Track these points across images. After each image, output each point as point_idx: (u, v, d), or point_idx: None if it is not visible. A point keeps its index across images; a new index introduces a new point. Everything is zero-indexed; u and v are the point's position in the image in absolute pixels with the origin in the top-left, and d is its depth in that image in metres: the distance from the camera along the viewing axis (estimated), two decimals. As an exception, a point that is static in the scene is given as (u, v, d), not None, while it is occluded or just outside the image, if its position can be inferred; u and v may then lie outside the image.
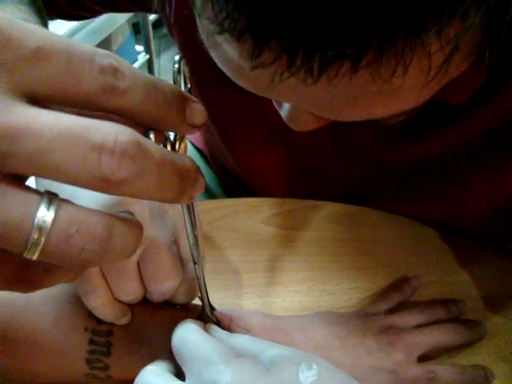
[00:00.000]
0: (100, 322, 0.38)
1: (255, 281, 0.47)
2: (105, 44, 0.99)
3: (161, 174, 0.20)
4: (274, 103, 0.34)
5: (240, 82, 0.28)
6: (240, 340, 0.34)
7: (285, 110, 0.33)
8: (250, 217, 0.52)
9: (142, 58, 1.20)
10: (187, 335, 0.33)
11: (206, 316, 0.37)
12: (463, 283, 0.48)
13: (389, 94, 0.25)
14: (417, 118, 0.43)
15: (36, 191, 0.20)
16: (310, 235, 0.51)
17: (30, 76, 0.18)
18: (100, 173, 0.19)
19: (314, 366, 0.30)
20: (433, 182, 0.48)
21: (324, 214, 0.52)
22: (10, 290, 0.21)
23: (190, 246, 0.33)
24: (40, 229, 0.19)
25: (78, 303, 0.38)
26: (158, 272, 0.34)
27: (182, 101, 0.22)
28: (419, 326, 0.42)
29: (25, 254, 0.19)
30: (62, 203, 0.19)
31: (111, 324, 0.38)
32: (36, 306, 0.37)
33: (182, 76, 0.26)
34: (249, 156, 0.57)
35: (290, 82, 0.24)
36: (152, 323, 0.38)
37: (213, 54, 0.28)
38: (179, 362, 0.33)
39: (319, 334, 0.39)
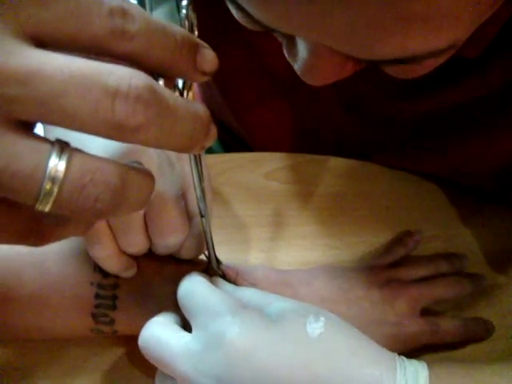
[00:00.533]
0: (106, 275, 0.37)
1: (258, 235, 0.47)
2: None
3: (175, 121, 0.19)
4: (286, 54, 0.32)
5: (258, 13, 0.26)
6: (247, 293, 0.34)
7: (301, 60, 0.30)
8: (251, 171, 0.51)
9: None
10: (194, 287, 0.33)
11: (212, 270, 0.37)
12: (466, 237, 0.48)
13: (425, 19, 0.23)
14: (429, 74, 0.42)
15: (46, 139, 0.19)
16: (313, 190, 0.50)
17: (37, 16, 0.17)
18: (114, 119, 0.18)
19: (322, 318, 0.30)
20: (441, 137, 0.47)
21: (327, 169, 0.52)
22: (20, 243, 0.21)
23: (197, 198, 0.32)
24: (52, 179, 0.18)
25: (82, 258, 0.37)
26: (164, 226, 0.34)
27: (193, 46, 0.21)
28: (422, 280, 0.43)
29: (37, 206, 0.18)
30: (74, 152, 0.19)
31: (117, 277, 0.37)
32: (41, 262, 0.37)
33: (188, 22, 0.25)
34: (250, 111, 0.55)
35: None
36: (158, 277, 0.38)
37: None
38: (185, 314, 0.33)
39: (324, 287, 0.39)
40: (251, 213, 0.48)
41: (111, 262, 0.35)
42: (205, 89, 0.64)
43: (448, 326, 0.40)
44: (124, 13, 0.19)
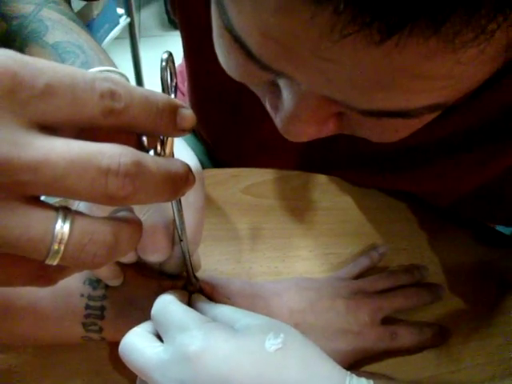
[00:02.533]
0: (95, 288, 0.41)
1: (234, 247, 0.51)
2: (86, 9, 0.98)
3: (158, 185, 0.23)
4: (269, 107, 0.32)
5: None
6: (220, 310, 0.38)
7: (284, 111, 0.30)
8: (230, 187, 0.55)
9: (124, 21, 1.20)
10: (165, 305, 0.37)
11: (190, 285, 0.41)
12: (429, 251, 0.52)
13: (450, 73, 0.23)
14: None
15: (52, 206, 0.23)
16: (286, 204, 0.54)
17: (42, 110, 0.21)
18: (107, 192, 0.22)
19: (282, 335, 0.34)
20: (426, 162, 0.50)
21: (298, 184, 0.56)
22: (32, 285, 0.25)
23: (175, 224, 0.36)
24: (59, 240, 0.22)
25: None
26: (149, 246, 0.38)
27: (172, 110, 0.25)
28: (385, 291, 0.47)
29: (47, 261, 0.22)
30: (75, 216, 0.23)
31: (105, 289, 0.41)
32: None
33: (167, 73, 0.29)
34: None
35: (345, 42, 0.22)
36: (142, 290, 0.42)
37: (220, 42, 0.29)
38: (158, 329, 0.37)
39: (293, 299, 0.44)
40: (228, 226, 0.52)
41: (103, 269, 0.39)
42: (200, 110, 0.68)
43: (405, 332, 0.44)
44: (112, 94, 0.23)
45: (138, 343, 0.36)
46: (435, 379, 0.45)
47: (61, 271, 0.25)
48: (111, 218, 0.24)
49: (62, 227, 0.22)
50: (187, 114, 0.26)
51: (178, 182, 0.25)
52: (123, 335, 0.42)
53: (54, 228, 0.22)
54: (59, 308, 0.41)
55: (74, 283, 0.41)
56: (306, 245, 0.52)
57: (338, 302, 0.44)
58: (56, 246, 0.22)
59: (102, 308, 0.41)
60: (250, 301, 0.43)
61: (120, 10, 1.15)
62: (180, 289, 0.41)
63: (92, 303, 0.41)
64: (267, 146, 0.58)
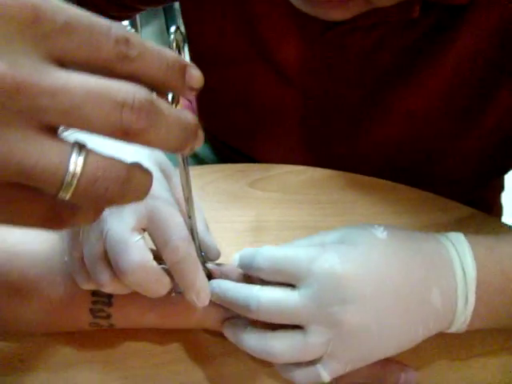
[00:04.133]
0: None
1: (242, 239, 0.51)
2: None
3: (169, 126, 0.24)
4: None
5: None
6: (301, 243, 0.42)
7: None
8: (237, 181, 0.55)
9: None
10: (287, 251, 0.39)
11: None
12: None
13: None
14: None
15: (68, 141, 0.23)
16: (292, 198, 0.54)
17: (61, 45, 0.22)
18: (121, 125, 0.22)
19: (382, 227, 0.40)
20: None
21: (303, 179, 0.56)
22: (42, 227, 0.25)
23: (184, 199, 0.36)
24: (72, 173, 0.22)
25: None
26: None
27: (182, 67, 0.26)
28: None
29: (59, 194, 0.23)
30: (89, 151, 0.23)
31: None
32: (46, 261, 0.41)
33: (176, 45, 0.30)
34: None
35: None
36: None
37: None
38: (286, 276, 0.38)
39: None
40: (236, 218, 0.52)
41: (110, 285, 0.37)
42: (207, 109, 0.70)
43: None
44: (127, 41, 0.23)
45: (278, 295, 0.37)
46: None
47: (73, 214, 0.25)
48: (125, 160, 0.24)
49: (77, 160, 0.22)
50: (195, 72, 0.26)
51: (189, 131, 0.25)
52: (133, 321, 0.42)
53: (69, 160, 0.22)
54: (67, 294, 0.41)
55: None
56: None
57: None
58: (69, 178, 0.22)
59: (109, 295, 0.41)
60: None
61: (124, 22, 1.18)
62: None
63: (99, 290, 0.41)
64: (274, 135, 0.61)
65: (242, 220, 0.52)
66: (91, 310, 0.41)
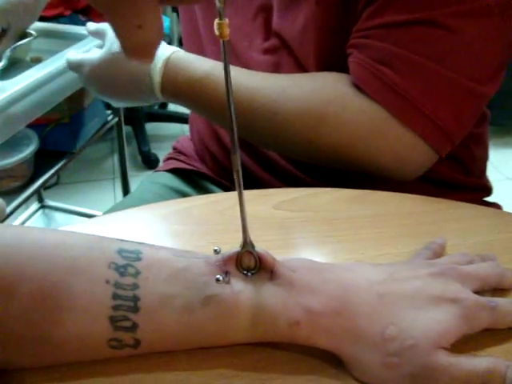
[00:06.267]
0: (123, 273, 0.33)
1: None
2: (76, 98, 0.97)
3: None
4: None
5: None
6: None
7: None
8: (261, 204, 0.49)
9: (112, 120, 1.20)
10: None
11: (247, 253, 0.34)
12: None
13: None
14: None
15: None
16: (323, 215, 0.49)
17: None
18: None
19: None
20: None
21: (329, 199, 0.51)
22: None
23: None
24: None
25: (96, 251, 0.33)
26: None
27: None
28: None
29: None
30: None
31: (135, 276, 0.33)
32: (50, 253, 0.32)
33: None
34: None
35: None
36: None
37: None
38: None
39: (369, 272, 0.36)
40: (266, 238, 0.45)
41: None
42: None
43: (504, 304, 0.36)
44: None
45: None
46: None
47: None
48: None
49: None
50: None
51: None
52: (164, 334, 0.33)
53: None
54: (79, 296, 0.32)
55: (97, 265, 0.33)
56: (355, 248, 0.45)
57: (420, 272, 0.36)
58: None
59: (135, 298, 0.33)
60: (319, 274, 0.35)
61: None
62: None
63: (121, 292, 0.33)
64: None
65: (272, 239, 0.45)
66: (111, 319, 0.32)
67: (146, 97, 0.60)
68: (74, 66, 0.64)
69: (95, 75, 0.62)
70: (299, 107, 0.53)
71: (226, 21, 0.27)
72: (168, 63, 0.56)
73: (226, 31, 0.27)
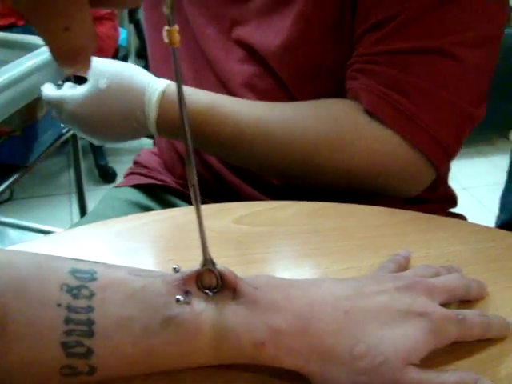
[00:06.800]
0: (76, 295, 0.31)
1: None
2: (29, 110, 0.94)
3: None
4: None
5: None
6: None
7: None
8: (221, 218, 0.48)
9: (67, 133, 1.16)
10: None
11: (207, 271, 0.32)
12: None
13: None
14: None
15: None
16: (284, 229, 0.48)
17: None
18: None
19: None
20: None
21: (294, 212, 0.50)
22: None
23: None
24: None
25: (46, 271, 0.31)
26: None
27: None
28: None
29: None
30: None
31: (90, 298, 0.31)
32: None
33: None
34: None
35: None
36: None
37: None
38: None
39: (335, 287, 0.35)
40: (224, 253, 0.43)
41: None
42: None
43: (471, 316, 0.36)
44: None
45: None
46: None
47: None
48: None
49: None
50: None
51: None
52: (121, 361, 0.31)
53: None
54: (29, 322, 0.30)
55: (47, 287, 0.31)
56: (319, 263, 0.44)
57: (386, 286, 0.36)
58: None
59: (90, 322, 0.30)
60: (283, 291, 0.34)
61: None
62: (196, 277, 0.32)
63: (74, 316, 0.30)
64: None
65: (230, 255, 0.44)
66: (63, 344, 0.30)
67: (135, 134, 0.57)
68: (54, 104, 0.58)
69: (80, 114, 0.56)
70: (316, 137, 0.53)
71: (176, 27, 0.26)
72: (164, 97, 0.53)
73: (176, 38, 0.26)
